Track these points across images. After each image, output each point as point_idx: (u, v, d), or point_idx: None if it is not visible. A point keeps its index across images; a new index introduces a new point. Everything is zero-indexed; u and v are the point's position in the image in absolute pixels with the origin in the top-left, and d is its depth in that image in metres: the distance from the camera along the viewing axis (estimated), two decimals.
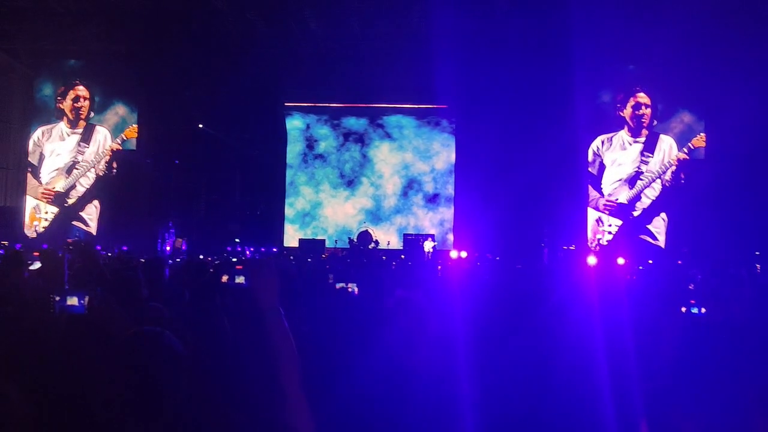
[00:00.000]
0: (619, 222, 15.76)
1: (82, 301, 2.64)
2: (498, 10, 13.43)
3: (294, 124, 17.83)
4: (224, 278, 2.37)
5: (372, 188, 17.70)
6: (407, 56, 15.03)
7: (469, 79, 14.83)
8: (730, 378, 2.45)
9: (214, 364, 2.23)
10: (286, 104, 17.55)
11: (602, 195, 15.92)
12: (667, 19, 13.51)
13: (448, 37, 12.75)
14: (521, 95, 14.50)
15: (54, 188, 16.89)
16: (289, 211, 17.74)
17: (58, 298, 2.63)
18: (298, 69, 16.08)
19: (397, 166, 17.70)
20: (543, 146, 14.35)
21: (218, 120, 16.12)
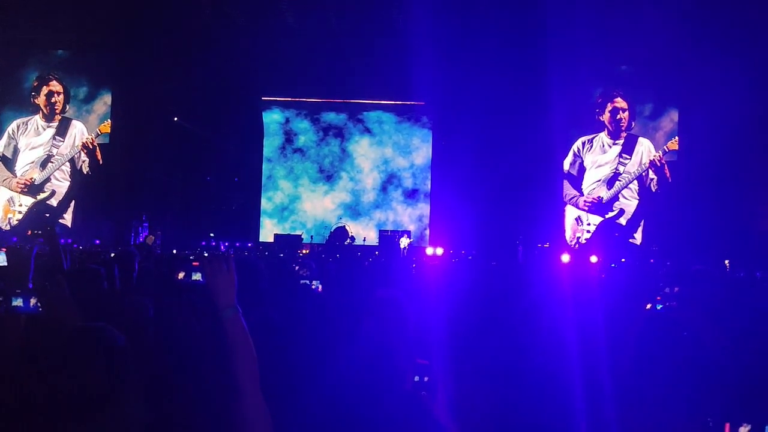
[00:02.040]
0: (598, 219, 16.22)
1: (28, 302, 2.57)
2: (478, 7, 13.43)
3: (273, 117, 17.75)
4: (180, 275, 2.29)
5: (351, 183, 17.70)
6: (385, 52, 15.05)
7: (447, 75, 14.86)
8: (695, 372, 2.49)
9: (169, 363, 2.19)
10: (263, 98, 17.44)
11: (582, 194, 16.36)
12: (649, 14, 13.55)
13: (426, 33, 12.76)
14: (499, 93, 14.55)
15: (29, 179, 16.92)
16: (267, 205, 17.68)
17: (0, 299, 2.56)
18: (275, 63, 16.03)
19: (376, 161, 17.72)
20: (519, 144, 14.48)
21: (194, 114, 15.99)
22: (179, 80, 15.26)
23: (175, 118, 15.76)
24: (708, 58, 13.92)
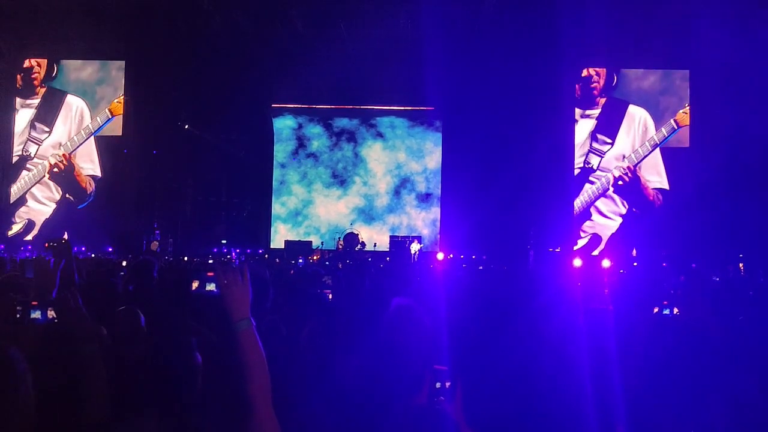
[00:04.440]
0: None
1: (46, 314, 2.61)
2: (485, 11, 13.40)
3: (286, 123, 17.86)
4: (194, 285, 2.29)
5: (365, 187, 17.71)
6: (394, 58, 15.15)
7: (456, 80, 14.87)
8: (703, 377, 2.47)
9: (181, 376, 2.19)
10: (273, 105, 17.57)
11: None
12: (660, 23, 13.31)
13: (434, 38, 12.78)
14: (508, 98, 14.58)
15: None
16: (281, 210, 17.74)
17: (20, 308, 2.61)
18: (285, 70, 16.15)
19: (389, 165, 17.76)
20: (529, 148, 14.36)
21: (205, 121, 16.16)
22: (190, 88, 15.34)
23: (186, 126, 15.83)
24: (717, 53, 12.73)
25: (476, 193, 15.07)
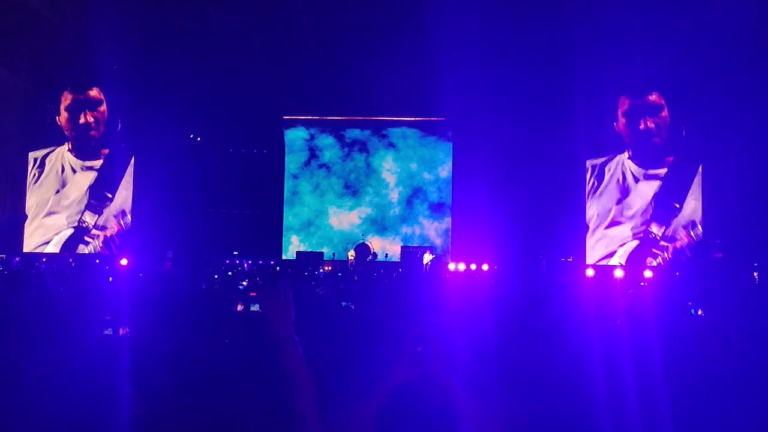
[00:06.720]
0: None
1: (117, 331, 2.71)
2: (498, 22, 13.41)
3: (298, 134, 17.97)
4: (239, 307, 2.31)
5: (377, 198, 17.75)
6: (406, 69, 15.10)
7: (467, 91, 14.86)
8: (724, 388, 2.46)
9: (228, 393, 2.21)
10: (285, 117, 17.72)
11: None
12: (676, 33, 13.13)
13: (445, 49, 12.80)
14: (520, 109, 14.56)
15: None
16: (293, 221, 17.79)
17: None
18: (297, 82, 16.17)
19: (402, 175, 17.81)
20: (541, 160, 14.30)
21: (216, 133, 16.23)
22: (200, 101, 15.47)
23: (198, 138, 15.94)
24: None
25: (487, 202, 15.05)
